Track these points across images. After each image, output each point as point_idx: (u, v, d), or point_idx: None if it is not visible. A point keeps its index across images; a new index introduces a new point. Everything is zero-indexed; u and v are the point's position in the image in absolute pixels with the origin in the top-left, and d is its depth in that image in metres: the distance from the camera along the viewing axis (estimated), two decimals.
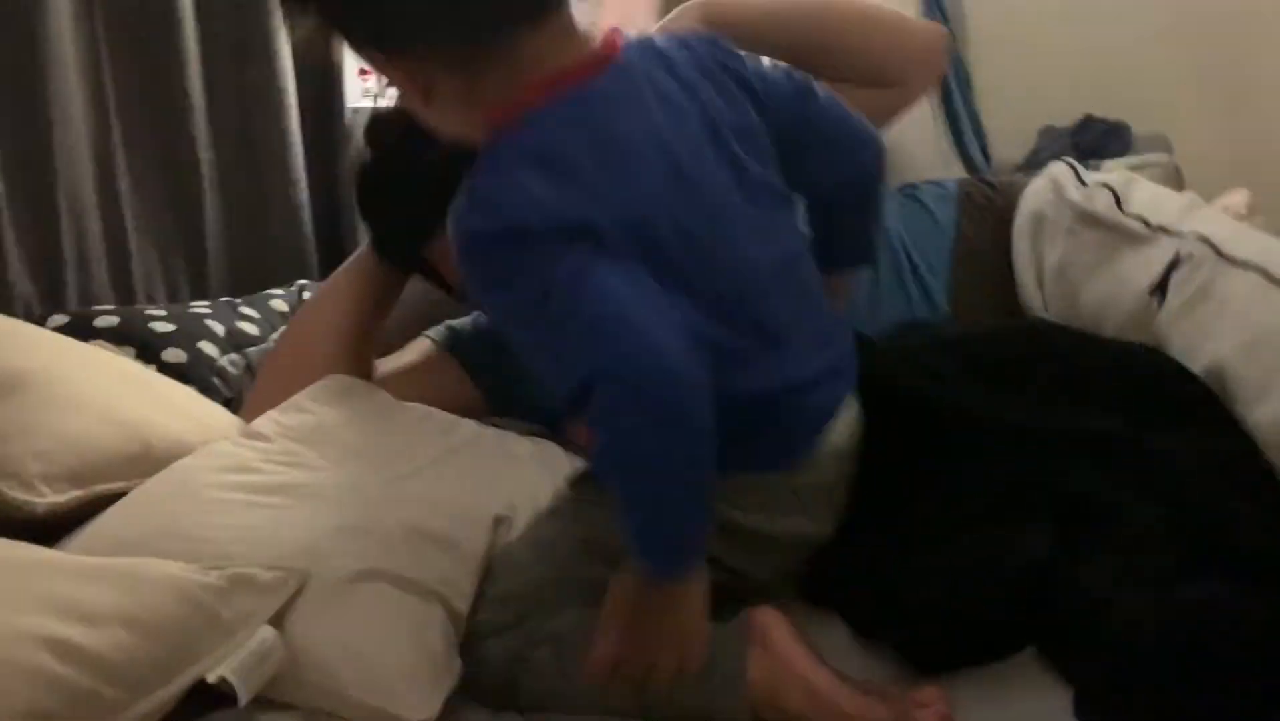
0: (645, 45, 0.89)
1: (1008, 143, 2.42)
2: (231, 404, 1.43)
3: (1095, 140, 2.29)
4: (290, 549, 0.92)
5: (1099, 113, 2.28)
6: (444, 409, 1.26)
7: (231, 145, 1.84)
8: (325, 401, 1.21)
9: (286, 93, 1.91)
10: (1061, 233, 1.13)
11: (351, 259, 1.34)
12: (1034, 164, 2.20)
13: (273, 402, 1.20)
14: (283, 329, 1.49)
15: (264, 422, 1.17)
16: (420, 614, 0.91)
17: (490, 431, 1.25)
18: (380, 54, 0.84)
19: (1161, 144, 2.29)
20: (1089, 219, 1.10)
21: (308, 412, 1.19)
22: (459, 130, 0.86)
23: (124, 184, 1.67)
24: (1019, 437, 0.89)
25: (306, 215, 1.97)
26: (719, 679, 0.83)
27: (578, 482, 1.02)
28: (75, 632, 0.74)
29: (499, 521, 1.03)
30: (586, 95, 0.82)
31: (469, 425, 1.25)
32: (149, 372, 1.29)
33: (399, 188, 1.23)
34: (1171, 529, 0.80)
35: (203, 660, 0.80)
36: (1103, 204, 1.09)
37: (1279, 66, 2.35)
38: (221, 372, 1.47)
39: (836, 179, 0.96)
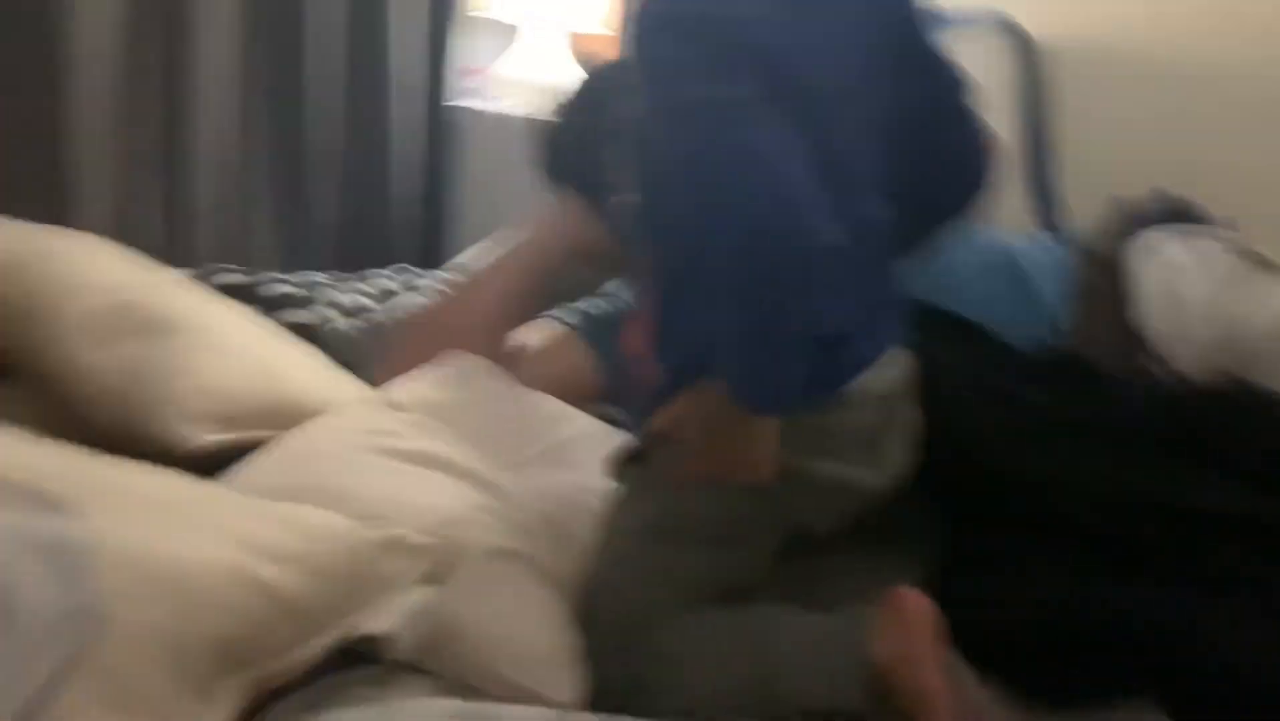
0: None
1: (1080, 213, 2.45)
2: (349, 366, 1.46)
3: (1164, 216, 2.31)
4: (434, 518, 0.94)
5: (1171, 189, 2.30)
6: (562, 391, 1.29)
7: (347, 129, 1.87)
8: (458, 381, 1.24)
9: (389, 82, 1.95)
10: (1204, 270, 1.17)
11: (518, 243, 1.35)
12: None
13: (414, 368, 1.22)
14: (425, 300, 1.52)
15: (401, 392, 1.19)
16: (556, 602, 0.92)
17: (600, 424, 1.27)
18: None
19: (1230, 227, 2.30)
20: (1251, 257, 1.14)
21: (442, 388, 1.21)
22: None
23: (256, 152, 1.71)
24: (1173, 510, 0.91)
25: (414, 206, 2.01)
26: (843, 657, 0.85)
27: (618, 473, 1.02)
28: (261, 568, 0.76)
29: None
30: None
31: (584, 420, 1.27)
32: (279, 331, 1.32)
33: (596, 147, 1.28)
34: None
35: (362, 611, 0.82)
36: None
37: None
38: (345, 337, 1.49)
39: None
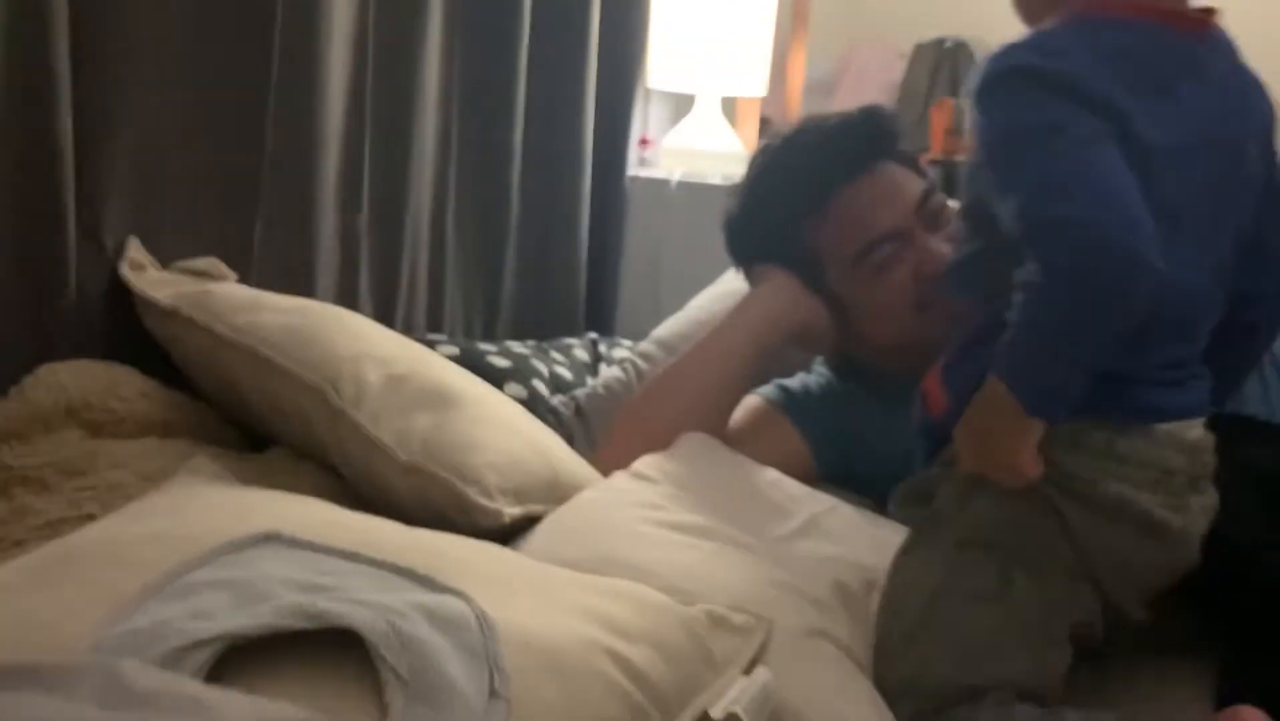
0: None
1: None
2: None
3: None
4: (737, 594, 0.94)
5: None
6: (776, 469, 1.28)
7: (534, 200, 1.93)
8: (693, 454, 1.24)
9: (584, 157, 2.01)
10: None
11: (746, 317, 1.34)
12: None
13: (640, 448, 1.22)
14: (626, 376, 1.53)
15: (646, 466, 1.20)
16: (864, 681, 0.91)
17: (842, 504, 1.26)
18: None
19: None
20: None
21: (683, 463, 1.22)
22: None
23: (450, 224, 1.76)
24: None
25: (583, 274, 2.05)
26: None
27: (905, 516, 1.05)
28: (618, 645, 0.76)
29: None
30: (1183, 39, 0.93)
31: (823, 495, 1.26)
32: (518, 404, 1.34)
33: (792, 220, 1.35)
34: None
35: (703, 693, 0.81)
36: None
37: None
38: (555, 413, 1.51)
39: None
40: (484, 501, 1.00)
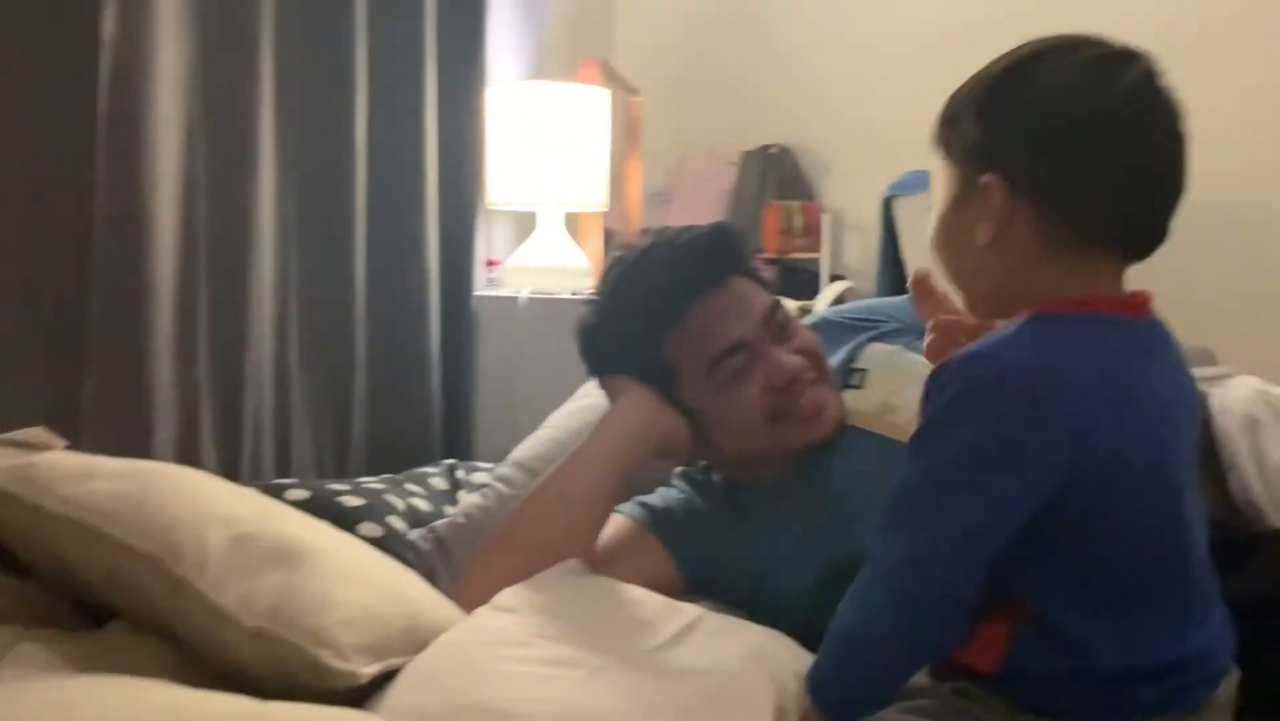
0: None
1: None
2: (425, 578, 1.44)
3: None
4: None
5: None
6: (645, 587, 1.28)
7: (382, 328, 1.92)
8: (555, 580, 1.24)
9: (430, 281, 2.01)
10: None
11: (607, 436, 1.34)
12: None
13: (506, 579, 1.21)
14: (488, 504, 1.52)
15: (508, 598, 1.18)
16: None
17: (709, 612, 1.27)
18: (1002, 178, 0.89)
19: (1205, 356, 2.43)
20: None
21: (544, 591, 1.21)
22: (982, 280, 0.95)
23: (294, 360, 1.73)
24: None
25: (437, 397, 2.04)
26: None
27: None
28: None
29: (780, 688, 1.05)
30: (1134, 327, 0.92)
31: (690, 605, 1.27)
32: (372, 547, 1.31)
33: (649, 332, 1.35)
34: None
35: None
36: None
37: None
38: (414, 547, 1.48)
39: None
40: (338, 664, 0.97)
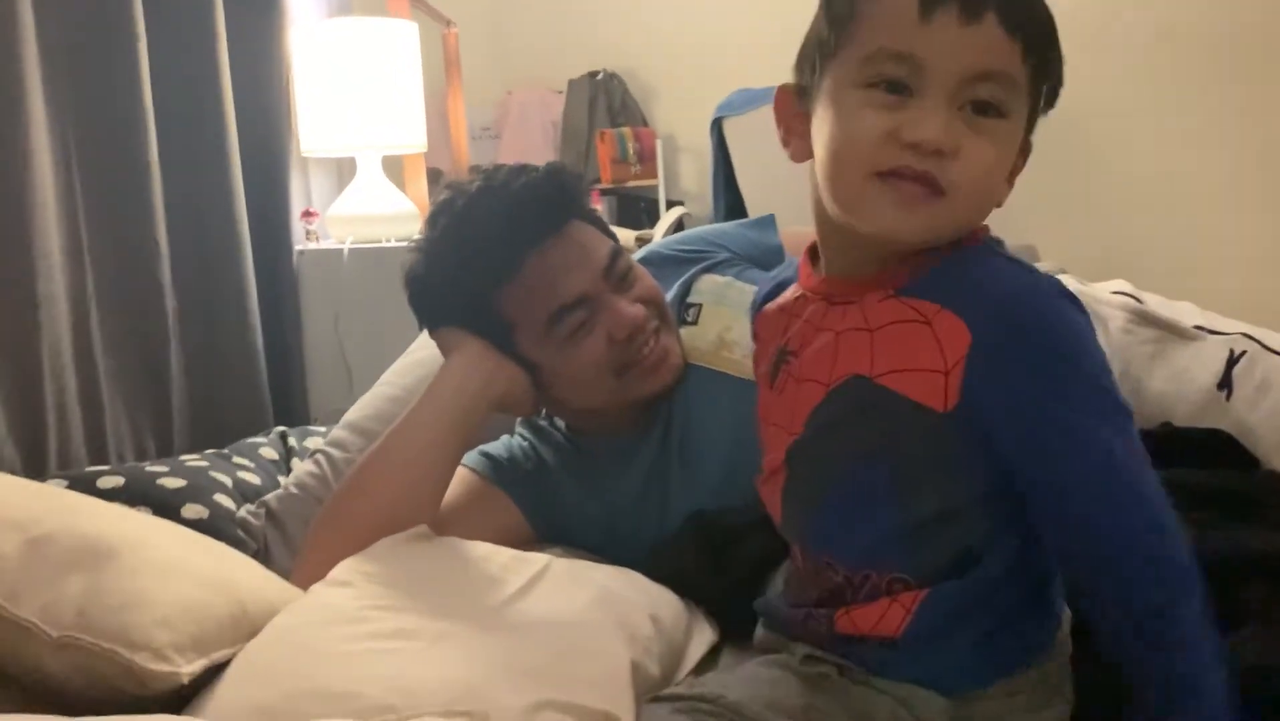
0: None
1: None
2: (257, 556, 1.37)
3: None
4: (449, 692, 0.90)
5: None
6: (494, 540, 1.25)
7: (193, 292, 1.80)
8: (392, 548, 1.19)
9: (241, 239, 1.89)
10: (1106, 331, 1.25)
11: (443, 394, 1.28)
12: None
13: (345, 550, 1.15)
14: (321, 470, 1.44)
15: (344, 571, 1.13)
16: None
17: (558, 559, 1.25)
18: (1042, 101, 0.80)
19: (1029, 254, 2.54)
20: (1146, 319, 1.23)
21: (380, 560, 1.16)
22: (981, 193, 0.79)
23: (97, 336, 1.61)
24: None
25: (262, 359, 1.93)
26: None
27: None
28: None
29: (631, 634, 1.03)
30: None
31: (537, 555, 1.24)
32: (194, 532, 1.22)
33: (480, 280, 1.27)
34: None
35: None
36: (1153, 307, 1.23)
37: (1119, 165, 2.68)
38: (244, 525, 1.40)
39: None
40: (157, 666, 0.90)
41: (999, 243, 0.83)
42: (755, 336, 0.98)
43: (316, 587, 1.11)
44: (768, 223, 1.52)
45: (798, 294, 0.90)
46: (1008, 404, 0.75)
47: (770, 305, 0.94)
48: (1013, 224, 2.50)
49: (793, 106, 0.84)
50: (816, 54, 0.81)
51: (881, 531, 0.81)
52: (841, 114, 0.78)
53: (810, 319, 0.87)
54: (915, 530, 0.80)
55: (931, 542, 0.80)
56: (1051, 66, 0.79)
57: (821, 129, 0.80)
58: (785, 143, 0.87)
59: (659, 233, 2.63)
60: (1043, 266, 2.28)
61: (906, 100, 0.75)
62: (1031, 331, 0.75)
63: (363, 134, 2.15)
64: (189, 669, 0.92)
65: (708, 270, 1.42)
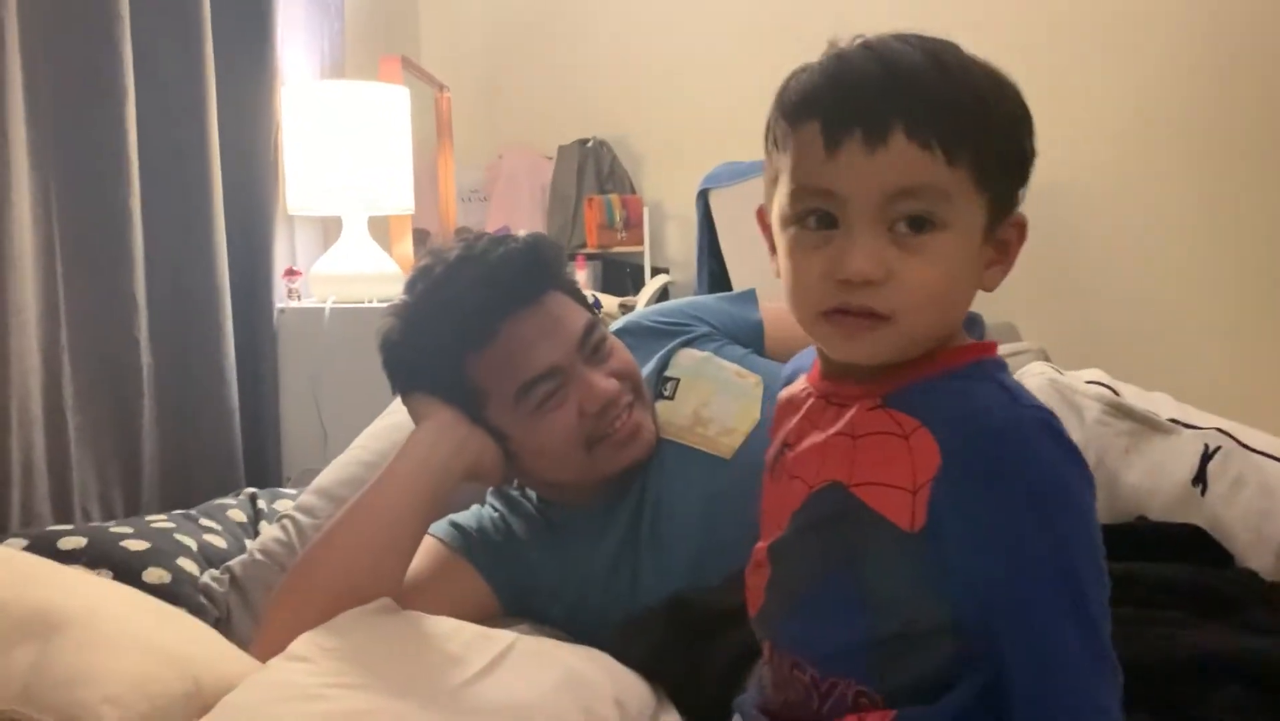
0: None
1: None
2: (220, 624, 1.34)
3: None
4: None
5: None
6: (460, 613, 1.22)
7: (170, 349, 1.78)
8: (354, 622, 1.16)
9: (222, 295, 1.88)
10: (1081, 422, 1.24)
11: (412, 464, 1.26)
12: None
13: (306, 622, 1.13)
14: (286, 537, 1.42)
15: (303, 646, 1.10)
16: None
17: (524, 637, 1.22)
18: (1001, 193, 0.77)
19: (1009, 332, 2.55)
20: (1122, 411, 1.23)
21: (341, 635, 1.13)
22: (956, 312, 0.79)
23: (69, 391, 1.59)
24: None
25: (236, 418, 1.91)
26: None
27: None
28: None
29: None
30: None
31: (502, 632, 1.22)
32: (152, 598, 1.20)
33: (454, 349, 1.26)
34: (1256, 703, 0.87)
35: None
36: (1129, 398, 1.23)
37: (1099, 247, 2.71)
38: (207, 591, 1.37)
39: None
40: None
41: (1001, 366, 0.81)
42: (774, 419, 0.95)
43: (274, 662, 1.08)
44: (749, 297, 1.52)
45: (804, 387, 0.89)
46: (970, 539, 0.72)
47: (784, 392, 0.93)
48: (993, 301, 2.51)
49: (769, 225, 0.84)
50: (768, 182, 0.82)
51: (848, 641, 0.79)
52: (785, 253, 0.78)
53: (809, 415, 0.86)
54: (882, 645, 0.77)
55: (899, 661, 0.77)
56: (994, 155, 0.75)
57: (778, 261, 0.80)
58: (771, 257, 0.86)
59: (643, 299, 2.64)
60: (1022, 346, 2.30)
61: (834, 234, 0.75)
62: (1005, 471, 0.71)
63: (350, 194, 2.16)
64: None
65: (687, 344, 1.42)
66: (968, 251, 0.76)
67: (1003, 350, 2.10)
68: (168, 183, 1.77)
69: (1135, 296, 2.70)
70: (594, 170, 2.95)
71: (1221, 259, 2.65)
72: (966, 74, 0.75)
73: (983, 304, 2.07)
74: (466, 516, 1.39)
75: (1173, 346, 2.58)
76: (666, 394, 1.36)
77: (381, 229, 2.35)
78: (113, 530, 1.43)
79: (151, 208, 1.73)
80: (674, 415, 1.34)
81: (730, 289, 2.75)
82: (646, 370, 1.38)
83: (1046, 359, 2.25)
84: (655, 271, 2.92)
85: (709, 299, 1.60)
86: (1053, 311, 2.70)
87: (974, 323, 2.71)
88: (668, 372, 1.39)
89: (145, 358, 1.73)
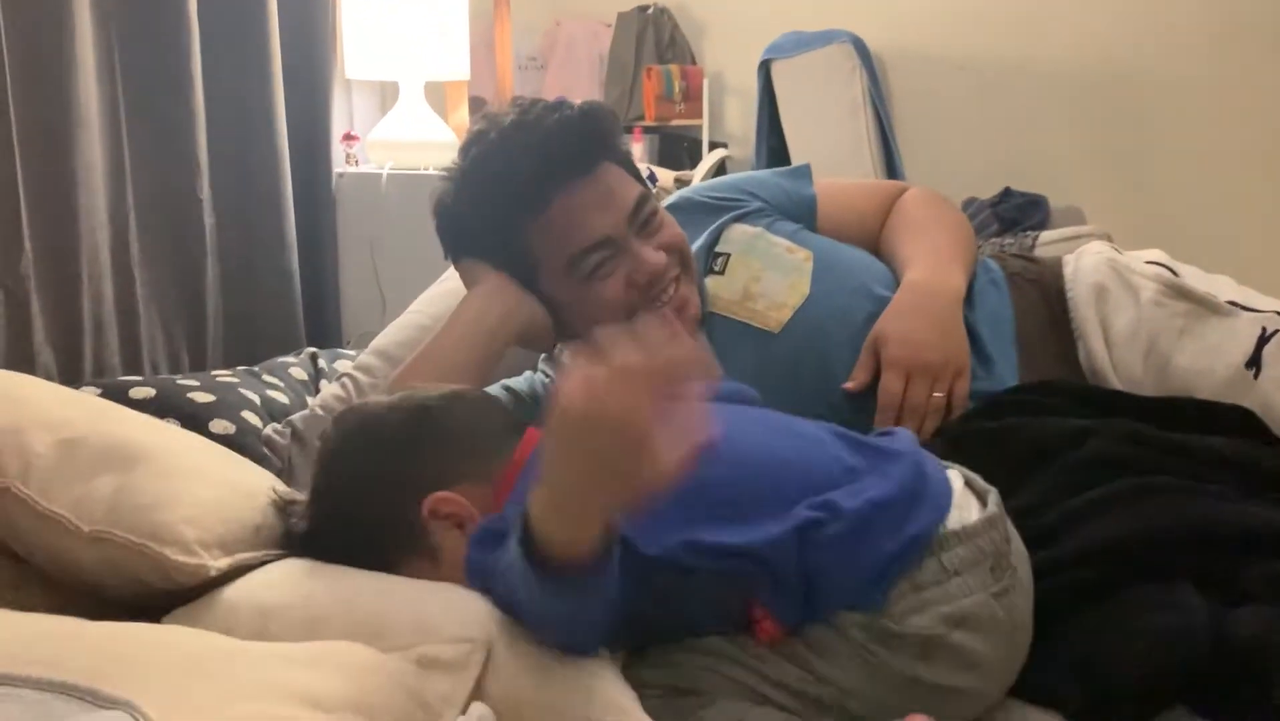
0: None
1: None
2: (281, 474, 1.40)
3: (1015, 211, 2.46)
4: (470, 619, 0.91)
5: (1016, 187, 2.47)
6: None
7: (231, 210, 1.81)
8: None
9: (281, 159, 1.90)
10: (1137, 302, 1.23)
11: (465, 325, 1.28)
12: None
13: None
14: (343, 394, 1.46)
15: None
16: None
17: None
18: None
19: (1076, 216, 2.49)
20: (1179, 292, 1.21)
21: None
22: None
23: (135, 248, 1.63)
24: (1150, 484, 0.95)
25: (296, 279, 1.95)
26: None
27: None
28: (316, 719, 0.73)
29: None
30: None
31: None
32: (219, 445, 1.25)
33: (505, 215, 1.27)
34: None
35: None
36: (1188, 279, 1.21)
37: (1171, 134, 2.62)
38: (269, 442, 1.43)
39: None
40: (184, 559, 0.93)
41: None
42: None
43: None
44: (803, 173, 1.50)
45: None
46: None
47: None
48: (1060, 184, 2.46)
49: None
50: None
51: None
52: None
53: None
54: None
55: None
56: None
57: None
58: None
59: (699, 175, 2.61)
60: (1086, 230, 2.24)
61: None
62: None
63: (407, 59, 2.15)
64: (217, 563, 0.95)
65: (739, 219, 1.41)
66: None
67: (1066, 232, 2.06)
68: (228, 44, 1.78)
69: (1204, 186, 2.62)
70: (654, 39, 2.89)
71: None
72: None
73: (1050, 188, 2.01)
74: (519, 381, 1.42)
75: (1239, 236, 2.51)
76: (717, 269, 1.36)
77: (438, 96, 2.34)
78: (180, 382, 1.49)
79: (212, 69, 1.74)
80: (724, 290, 1.34)
81: (789, 165, 2.72)
82: (697, 245, 1.38)
83: (1110, 241, 2.20)
84: (713, 146, 2.88)
85: (763, 174, 1.58)
86: (1119, 197, 2.63)
87: (1037, 205, 2.65)
88: (719, 248, 1.39)
89: (208, 218, 1.76)
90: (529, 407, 1.37)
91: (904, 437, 0.99)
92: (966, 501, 0.93)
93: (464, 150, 1.34)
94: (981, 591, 0.88)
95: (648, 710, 0.87)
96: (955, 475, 0.95)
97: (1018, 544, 0.92)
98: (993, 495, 0.93)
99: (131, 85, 1.60)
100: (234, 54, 1.79)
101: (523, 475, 0.92)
